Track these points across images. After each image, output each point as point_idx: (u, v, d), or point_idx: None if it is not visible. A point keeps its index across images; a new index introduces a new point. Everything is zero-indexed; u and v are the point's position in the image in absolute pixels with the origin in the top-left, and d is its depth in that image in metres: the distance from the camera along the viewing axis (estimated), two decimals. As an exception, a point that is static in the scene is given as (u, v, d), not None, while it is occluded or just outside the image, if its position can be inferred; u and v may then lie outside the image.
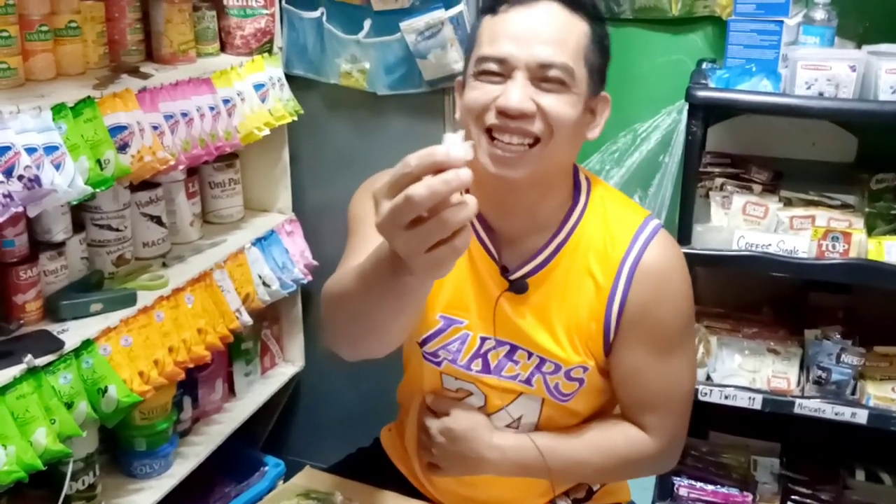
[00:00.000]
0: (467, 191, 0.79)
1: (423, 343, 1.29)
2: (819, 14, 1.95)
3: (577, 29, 1.13)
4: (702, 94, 1.94)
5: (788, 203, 2.08)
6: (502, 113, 1.11)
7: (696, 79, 2.04)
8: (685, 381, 1.26)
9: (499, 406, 1.29)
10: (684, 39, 2.34)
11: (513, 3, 1.15)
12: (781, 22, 1.95)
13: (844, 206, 2.06)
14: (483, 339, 1.26)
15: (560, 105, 1.11)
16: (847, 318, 2.23)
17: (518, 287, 1.21)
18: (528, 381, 1.26)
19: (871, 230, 2.00)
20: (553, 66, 1.10)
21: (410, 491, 1.40)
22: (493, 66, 1.12)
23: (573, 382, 1.25)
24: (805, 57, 1.88)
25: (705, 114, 2.29)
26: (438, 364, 1.29)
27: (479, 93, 1.13)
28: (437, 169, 0.77)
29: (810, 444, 2.29)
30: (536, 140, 1.12)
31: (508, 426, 1.31)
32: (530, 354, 1.24)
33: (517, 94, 1.09)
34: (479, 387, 1.29)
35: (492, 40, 1.13)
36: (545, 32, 1.11)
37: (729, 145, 2.30)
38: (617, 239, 1.21)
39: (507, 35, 1.12)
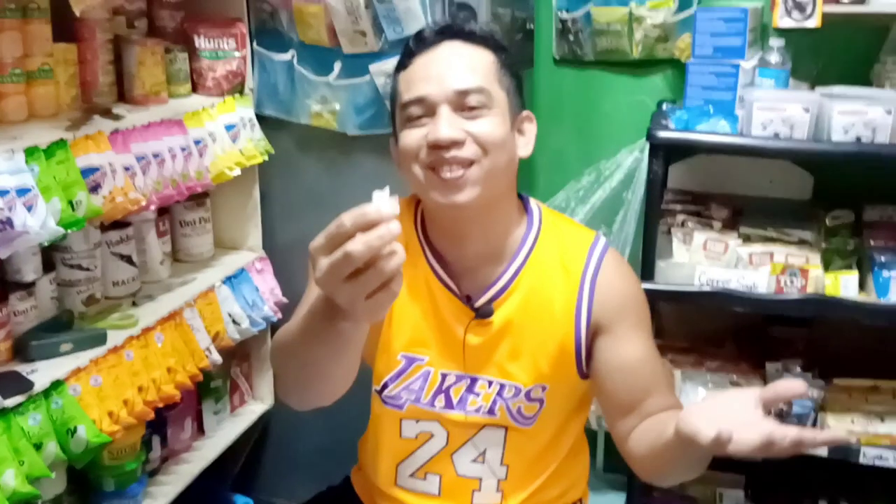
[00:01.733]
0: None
1: (383, 388, 1.31)
2: (774, 57, 2.03)
3: (483, 58, 1.23)
4: (662, 134, 2.00)
5: (748, 239, 2.13)
6: (435, 146, 1.17)
7: (657, 119, 2.10)
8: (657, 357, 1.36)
9: (462, 441, 1.32)
10: (645, 81, 2.41)
11: (418, 50, 1.23)
12: (738, 65, 2.02)
13: (801, 242, 2.12)
14: (444, 375, 1.29)
15: (487, 126, 1.19)
16: (807, 350, 2.28)
17: (483, 313, 1.26)
18: (491, 412, 1.29)
19: (827, 265, 2.06)
20: (470, 91, 1.19)
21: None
22: (416, 110, 1.20)
23: (533, 403, 1.28)
24: (760, 98, 1.95)
25: (666, 153, 2.38)
26: (400, 407, 1.31)
27: (410, 137, 1.20)
28: (369, 225, 0.86)
29: (775, 476, 2.33)
30: (473, 162, 1.18)
31: (474, 461, 1.33)
32: (490, 382, 1.28)
33: (444, 125, 1.17)
34: (441, 424, 1.31)
35: (408, 88, 1.22)
36: (455, 65, 1.20)
37: (690, 183, 2.37)
38: (573, 257, 1.28)
39: (420, 78, 1.21)
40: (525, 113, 1.28)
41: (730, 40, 2.04)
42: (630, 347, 1.28)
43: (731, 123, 2.01)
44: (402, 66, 1.26)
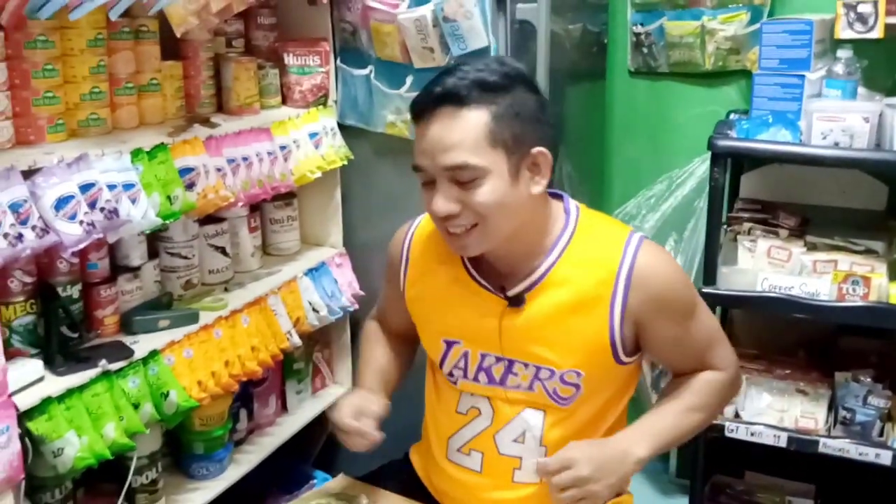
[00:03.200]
0: None
1: (441, 365, 1.47)
2: (840, 68, 2.05)
3: (471, 123, 1.25)
4: (722, 143, 2.07)
5: (813, 248, 2.16)
6: (435, 217, 1.32)
7: (721, 129, 2.17)
8: (712, 324, 1.49)
9: (506, 420, 1.43)
10: (718, 92, 2.47)
11: (417, 119, 1.30)
12: (803, 76, 2.06)
13: (868, 252, 2.13)
14: (483, 356, 1.42)
15: (482, 195, 1.26)
16: (879, 362, 2.27)
17: (515, 302, 1.37)
18: (530, 388, 1.40)
19: (896, 275, 2.06)
20: (457, 167, 1.25)
21: (431, 502, 1.55)
22: (421, 176, 1.32)
23: (569, 387, 1.38)
24: (820, 109, 1.99)
25: (734, 162, 2.42)
26: (455, 383, 1.46)
27: (426, 200, 1.33)
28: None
29: (846, 488, 2.32)
30: (474, 226, 1.30)
31: (515, 441, 1.44)
32: (527, 365, 1.39)
33: (439, 201, 1.28)
34: (490, 402, 1.43)
35: (415, 151, 1.31)
36: (444, 139, 1.25)
37: (761, 192, 2.41)
38: (609, 252, 1.36)
39: (420, 149, 1.30)
40: (535, 151, 1.30)
41: (795, 52, 2.08)
42: (678, 328, 1.39)
43: (793, 133, 2.05)
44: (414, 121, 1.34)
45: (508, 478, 1.45)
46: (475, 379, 1.43)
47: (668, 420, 1.43)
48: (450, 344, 1.44)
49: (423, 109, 1.28)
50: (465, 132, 1.25)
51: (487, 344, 1.41)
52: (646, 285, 1.34)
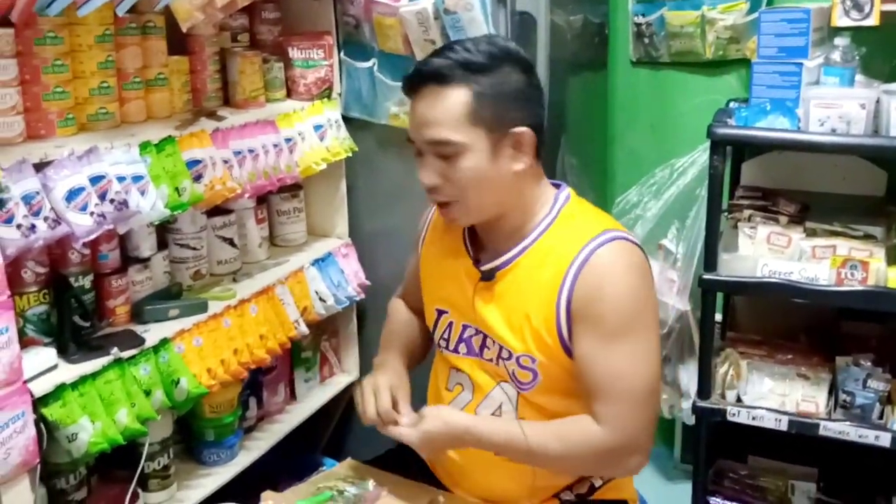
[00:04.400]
0: None
1: (433, 332, 1.54)
2: (837, 56, 2.07)
3: (452, 100, 1.32)
4: (721, 131, 2.09)
5: (813, 233, 2.17)
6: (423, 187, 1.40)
7: (720, 117, 2.19)
8: (632, 375, 1.34)
9: (484, 393, 1.47)
10: (719, 81, 2.50)
11: (406, 92, 1.39)
12: (801, 64, 2.07)
13: (867, 237, 2.15)
14: (464, 327, 1.48)
15: (462, 170, 1.33)
16: (880, 346, 2.29)
17: (486, 276, 1.43)
18: (497, 364, 1.44)
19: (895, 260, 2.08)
20: (438, 143, 1.33)
21: (437, 486, 1.57)
22: (414, 148, 1.40)
23: (526, 371, 1.40)
24: (817, 96, 2.01)
25: (735, 150, 2.44)
26: (441, 350, 1.53)
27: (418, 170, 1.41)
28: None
29: (849, 471, 2.35)
30: (454, 201, 1.37)
31: (493, 414, 1.46)
32: (493, 341, 1.43)
33: (423, 173, 1.38)
34: (469, 377, 1.48)
35: (409, 124, 1.40)
36: (427, 115, 1.34)
37: (762, 180, 2.42)
38: (571, 246, 1.37)
39: (410, 121, 1.38)
40: (517, 130, 1.34)
41: (793, 40, 2.09)
42: (595, 344, 1.33)
43: (791, 120, 2.07)
44: None
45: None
46: (455, 350, 1.49)
47: (520, 441, 1.37)
48: (440, 312, 1.52)
49: (410, 86, 1.36)
50: (447, 110, 1.32)
51: (467, 315, 1.47)
52: (588, 284, 1.33)
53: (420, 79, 1.35)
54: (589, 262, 1.34)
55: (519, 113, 1.35)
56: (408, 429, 1.41)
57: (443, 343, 1.52)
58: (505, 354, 1.42)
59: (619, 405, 1.33)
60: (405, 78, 1.38)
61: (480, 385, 1.47)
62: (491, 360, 1.45)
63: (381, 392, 1.44)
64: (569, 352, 1.37)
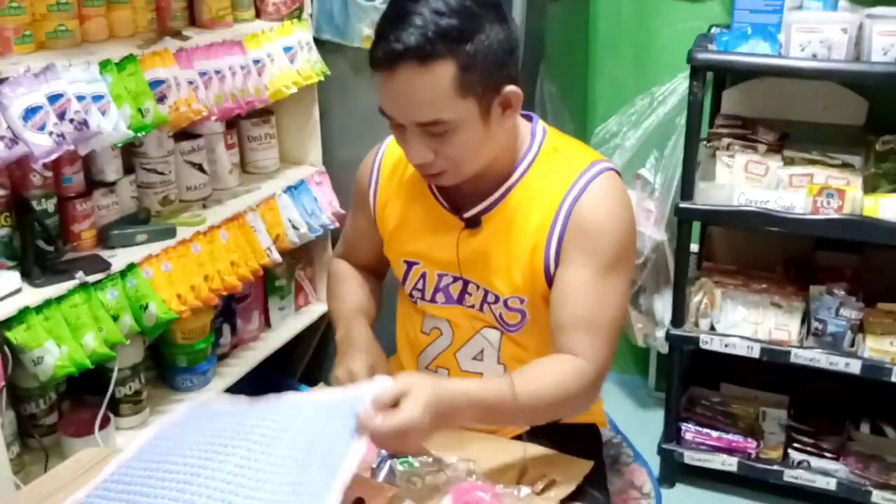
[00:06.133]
0: None
1: (403, 283, 1.47)
2: (821, -21, 2.03)
3: (437, 78, 1.18)
4: (701, 56, 2.06)
5: (790, 162, 2.17)
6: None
7: (701, 42, 2.15)
8: (614, 308, 1.31)
9: (465, 339, 1.43)
10: (702, 7, 2.45)
11: (376, 68, 1.21)
12: (784, -12, 2.03)
13: (845, 166, 2.14)
14: (440, 276, 1.41)
15: (454, 145, 1.23)
16: (855, 276, 2.31)
17: (471, 223, 1.36)
18: (481, 309, 1.40)
19: (874, 189, 2.07)
20: (427, 123, 1.21)
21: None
22: (390, 120, 1.25)
23: (514, 313, 1.36)
24: (799, 20, 1.98)
25: (717, 78, 2.41)
26: (415, 302, 1.46)
27: (398, 140, 1.28)
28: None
29: (820, 398, 2.38)
30: (445, 171, 1.27)
31: (474, 359, 1.43)
32: (478, 287, 1.38)
33: (412, 151, 1.25)
34: (449, 323, 1.43)
35: (381, 97, 1.23)
36: (412, 97, 1.19)
37: (742, 109, 2.40)
38: (561, 180, 1.31)
39: (386, 97, 1.22)
40: (506, 90, 1.25)
41: (776, -37, 2.05)
42: (586, 273, 1.28)
43: (772, 45, 2.04)
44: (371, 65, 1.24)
45: None
46: (433, 300, 1.43)
47: (508, 399, 1.22)
48: (410, 264, 1.44)
49: (382, 64, 1.19)
50: (434, 90, 1.18)
51: (445, 264, 1.40)
52: (584, 217, 1.29)
53: (397, 56, 1.17)
54: (584, 195, 1.30)
55: (505, 71, 1.25)
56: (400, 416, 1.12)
57: (416, 293, 1.45)
58: (491, 298, 1.38)
59: (601, 336, 1.29)
60: (373, 55, 1.21)
61: (461, 330, 1.43)
62: (473, 306, 1.40)
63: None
64: (552, 286, 1.33)
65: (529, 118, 1.40)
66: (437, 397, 1.11)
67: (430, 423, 1.10)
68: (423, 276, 1.43)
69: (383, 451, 1.19)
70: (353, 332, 1.40)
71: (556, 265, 1.31)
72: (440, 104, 1.19)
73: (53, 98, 1.51)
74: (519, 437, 1.36)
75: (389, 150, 1.48)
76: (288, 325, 2.34)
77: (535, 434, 1.35)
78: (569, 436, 1.38)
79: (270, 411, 1.07)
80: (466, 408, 1.17)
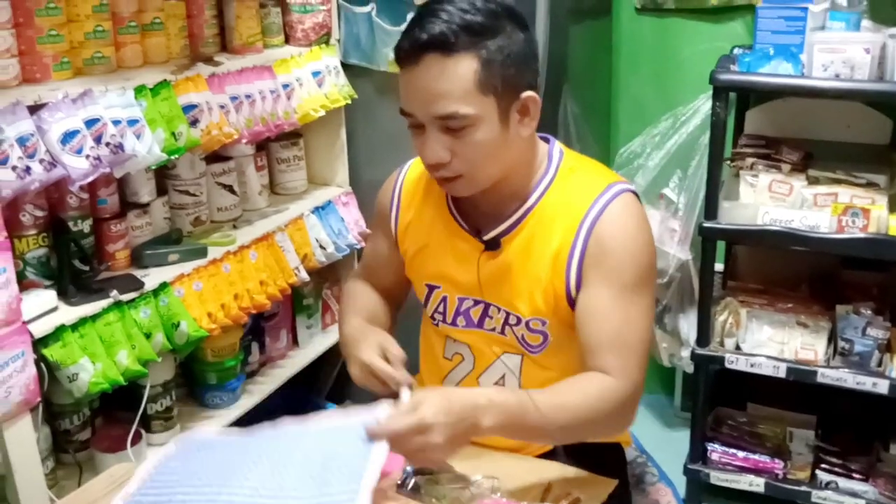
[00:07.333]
0: None
1: (425, 306, 1.49)
2: (843, 0, 2.04)
3: (460, 71, 1.21)
4: (723, 77, 2.07)
5: (815, 182, 2.16)
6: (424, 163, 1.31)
7: (724, 63, 2.16)
8: (640, 328, 1.32)
9: (486, 363, 1.43)
10: (724, 27, 2.46)
11: (401, 62, 1.24)
12: (806, 8, 2.04)
13: (870, 185, 2.14)
14: (461, 300, 1.42)
15: (472, 144, 1.24)
16: (881, 295, 2.29)
17: (491, 245, 1.37)
18: (502, 332, 1.40)
19: (897, 208, 2.06)
20: (447, 117, 1.22)
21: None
22: (410, 120, 1.27)
23: (536, 335, 1.37)
24: (821, 41, 1.98)
25: (740, 99, 2.42)
26: (437, 324, 1.48)
27: (416, 144, 1.29)
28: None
29: (848, 418, 2.36)
30: (461, 175, 1.28)
31: (496, 384, 1.44)
32: (499, 309, 1.39)
33: (429, 150, 1.26)
34: (470, 348, 1.44)
35: (402, 96, 1.26)
36: (433, 88, 1.21)
37: (766, 128, 2.40)
38: (580, 202, 1.32)
39: (406, 94, 1.25)
40: (525, 95, 1.27)
41: (799, -16, 2.06)
42: (608, 293, 1.29)
43: (795, 66, 2.04)
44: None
45: None
46: (453, 323, 1.44)
47: (531, 408, 1.21)
48: (431, 288, 1.46)
49: (407, 56, 1.23)
50: (455, 81, 1.21)
51: (466, 288, 1.41)
52: (604, 238, 1.30)
53: (421, 47, 1.21)
54: (602, 216, 1.31)
55: (525, 76, 1.27)
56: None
57: (438, 317, 1.46)
58: (513, 320, 1.38)
59: (630, 356, 1.29)
60: (399, 48, 1.24)
61: (482, 354, 1.44)
62: (494, 329, 1.41)
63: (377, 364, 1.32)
64: (574, 307, 1.34)
65: (547, 140, 1.42)
66: (449, 399, 1.13)
67: (449, 424, 1.10)
68: (444, 299, 1.45)
69: (408, 468, 1.21)
70: (346, 329, 1.44)
71: (578, 288, 1.32)
72: (461, 97, 1.21)
73: (90, 122, 1.56)
74: (543, 456, 1.38)
75: (410, 174, 1.50)
76: (315, 343, 2.37)
77: (560, 453, 1.36)
78: (593, 455, 1.39)
79: (272, 438, 1.08)
80: (487, 407, 1.15)
